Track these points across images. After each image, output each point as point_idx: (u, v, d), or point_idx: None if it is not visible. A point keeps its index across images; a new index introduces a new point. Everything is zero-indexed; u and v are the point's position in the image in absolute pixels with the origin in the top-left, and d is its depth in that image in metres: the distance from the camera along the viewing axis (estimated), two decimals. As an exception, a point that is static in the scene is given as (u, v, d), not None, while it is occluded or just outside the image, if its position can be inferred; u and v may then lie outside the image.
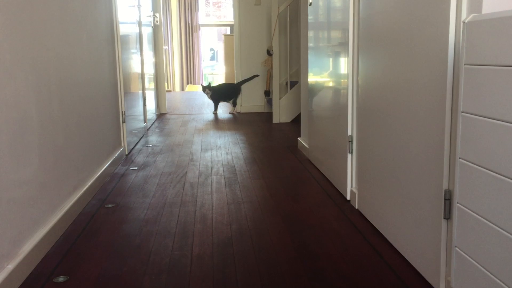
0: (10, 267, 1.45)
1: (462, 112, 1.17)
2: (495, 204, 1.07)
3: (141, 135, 4.09)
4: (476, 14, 1.14)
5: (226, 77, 8.55)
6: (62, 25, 2.04)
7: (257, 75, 5.59)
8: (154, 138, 4.05)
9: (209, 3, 11.25)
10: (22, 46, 1.62)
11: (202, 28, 10.51)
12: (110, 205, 2.26)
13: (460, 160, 1.19)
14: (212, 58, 12.03)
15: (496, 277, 1.08)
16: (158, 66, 5.54)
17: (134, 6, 3.95)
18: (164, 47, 6.37)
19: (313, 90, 2.97)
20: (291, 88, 4.93)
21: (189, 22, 10.14)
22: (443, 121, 1.34)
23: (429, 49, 1.40)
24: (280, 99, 4.87)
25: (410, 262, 1.60)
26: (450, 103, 1.31)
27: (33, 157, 1.68)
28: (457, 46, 1.28)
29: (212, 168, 2.97)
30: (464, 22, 1.15)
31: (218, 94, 5.65)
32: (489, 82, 1.06)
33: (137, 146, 3.70)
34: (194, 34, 10.22)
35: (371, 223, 1.97)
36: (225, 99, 5.68)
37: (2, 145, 1.44)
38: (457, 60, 1.29)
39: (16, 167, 1.54)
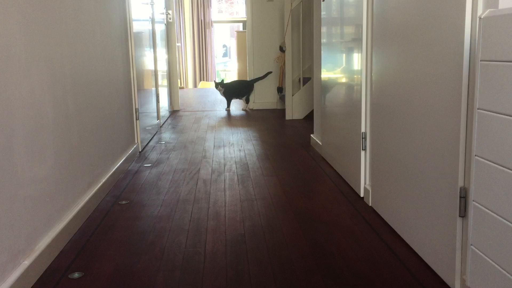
0: (26, 263, 1.47)
1: (478, 108, 1.16)
2: (511, 202, 1.05)
3: (155, 132, 4.11)
4: (492, 10, 1.12)
5: (239, 74, 8.55)
6: (76, 23, 2.06)
7: (270, 72, 5.58)
8: (167, 135, 4.07)
9: (221, -1, 11.25)
10: (37, 45, 1.63)
11: (214, 24, 10.52)
12: (124, 202, 2.28)
13: (476, 157, 1.18)
14: (225, 55, 12.05)
15: (512, 276, 1.07)
16: (171, 63, 5.56)
17: (147, 4, 3.96)
18: (177, 44, 6.39)
19: (326, 87, 2.96)
20: (304, 84, 4.91)
21: (202, 19, 10.15)
22: (458, 118, 1.32)
23: (445, 45, 1.38)
24: (293, 95, 4.86)
25: (425, 260, 1.59)
26: (465, 99, 1.30)
27: (48, 154, 1.70)
28: (473, 42, 1.26)
29: (225, 165, 2.98)
30: (480, 18, 1.14)
31: (230, 91, 5.66)
32: (506, 79, 1.05)
33: (151, 143, 3.72)
34: (207, 30, 10.23)
35: (385, 221, 1.96)
36: (238, 96, 5.69)
37: (18, 143, 1.46)
38: (473, 56, 1.27)
39: (32, 164, 1.56)
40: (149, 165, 3.00)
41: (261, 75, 5.58)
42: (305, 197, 2.30)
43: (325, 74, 2.99)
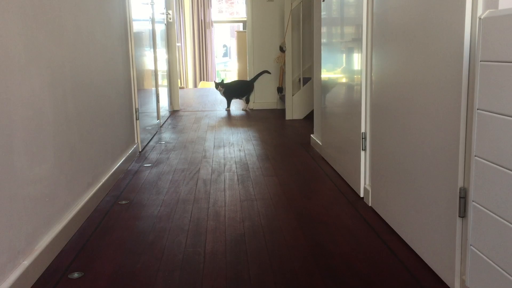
0: (25, 263, 1.47)
1: (477, 109, 1.16)
2: (511, 202, 1.05)
3: (155, 132, 4.11)
4: (492, 10, 1.12)
5: (239, 74, 8.55)
6: (76, 23, 2.06)
7: (266, 71, 5.55)
8: (167, 135, 4.07)
9: (221, -1, 11.25)
10: (37, 45, 1.63)
11: (215, 24, 10.52)
12: (124, 202, 2.28)
13: (476, 158, 1.18)
14: (225, 55, 12.05)
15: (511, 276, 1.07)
16: (171, 63, 5.56)
17: (147, 4, 3.96)
18: (177, 44, 6.38)
19: (326, 87, 2.96)
20: (304, 84, 4.91)
21: (202, 18, 10.15)
22: (458, 118, 1.32)
23: (445, 46, 1.38)
24: (293, 95, 4.86)
25: (425, 260, 1.59)
26: (465, 100, 1.30)
27: (48, 154, 1.70)
28: (472, 42, 1.26)
29: (225, 165, 2.98)
30: (480, 18, 1.13)
31: (231, 91, 5.66)
32: (506, 79, 1.05)
33: (151, 143, 3.72)
34: (207, 30, 10.23)
35: (385, 221, 1.96)
36: (238, 96, 5.69)
37: (17, 143, 1.46)
38: (472, 56, 1.27)
39: (32, 164, 1.56)
40: (149, 165, 3.00)
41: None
42: (305, 197, 2.30)
43: (325, 74, 2.99)
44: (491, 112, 1.10)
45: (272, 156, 3.21)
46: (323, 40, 3.00)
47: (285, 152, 3.33)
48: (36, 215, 1.58)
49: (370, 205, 2.16)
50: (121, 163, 2.77)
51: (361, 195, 2.29)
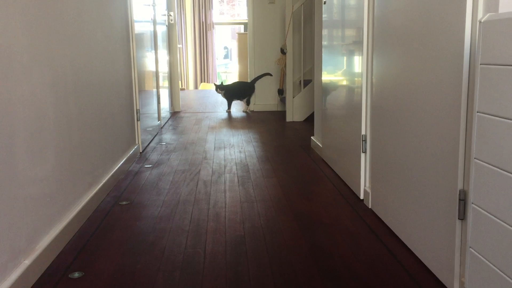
0: (26, 262, 1.47)
1: (477, 112, 1.16)
2: (510, 205, 1.06)
3: (155, 133, 4.11)
4: (492, 14, 1.13)
5: (240, 76, 8.56)
6: (78, 23, 2.06)
7: (268, 73, 5.56)
8: (168, 136, 4.07)
9: (223, 1, 11.27)
10: (39, 45, 1.64)
11: (216, 26, 10.53)
12: (124, 203, 2.28)
13: (475, 160, 1.18)
14: (226, 57, 12.06)
15: (511, 279, 1.07)
16: (172, 64, 5.57)
17: (149, 5, 3.97)
18: (178, 46, 6.39)
19: (327, 89, 2.97)
20: (304, 86, 4.92)
21: (203, 20, 10.16)
22: (458, 121, 1.33)
23: (445, 49, 1.39)
24: (293, 97, 4.87)
25: (424, 262, 1.59)
26: (465, 102, 1.30)
27: (49, 154, 1.71)
28: (473, 45, 1.27)
29: (225, 166, 2.98)
30: (480, 22, 1.14)
31: (231, 92, 5.65)
32: (505, 82, 1.05)
33: (151, 144, 3.73)
34: (208, 32, 10.24)
35: (385, 223, 1.96)
36: (239, 97, 5.68)
37: (19, 143, 1.46)
38: (473, 59, 1.28)
39: (33, 164, 1.56)
40: (150, 166, 3.01)
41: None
42: (305, 199, 2.31)
43: (326, 77, 2.99)
44: (491, 115, 1.11)
45: (272, 157, 3.21)
46: (324, 43, 3.00)
47: (286, 154, 3.33)
48: (37, 215, 1.59)
49: (370, 207, 2.16)
50: (121, 163, 2.77)
51: (361, 197, 2.29)
